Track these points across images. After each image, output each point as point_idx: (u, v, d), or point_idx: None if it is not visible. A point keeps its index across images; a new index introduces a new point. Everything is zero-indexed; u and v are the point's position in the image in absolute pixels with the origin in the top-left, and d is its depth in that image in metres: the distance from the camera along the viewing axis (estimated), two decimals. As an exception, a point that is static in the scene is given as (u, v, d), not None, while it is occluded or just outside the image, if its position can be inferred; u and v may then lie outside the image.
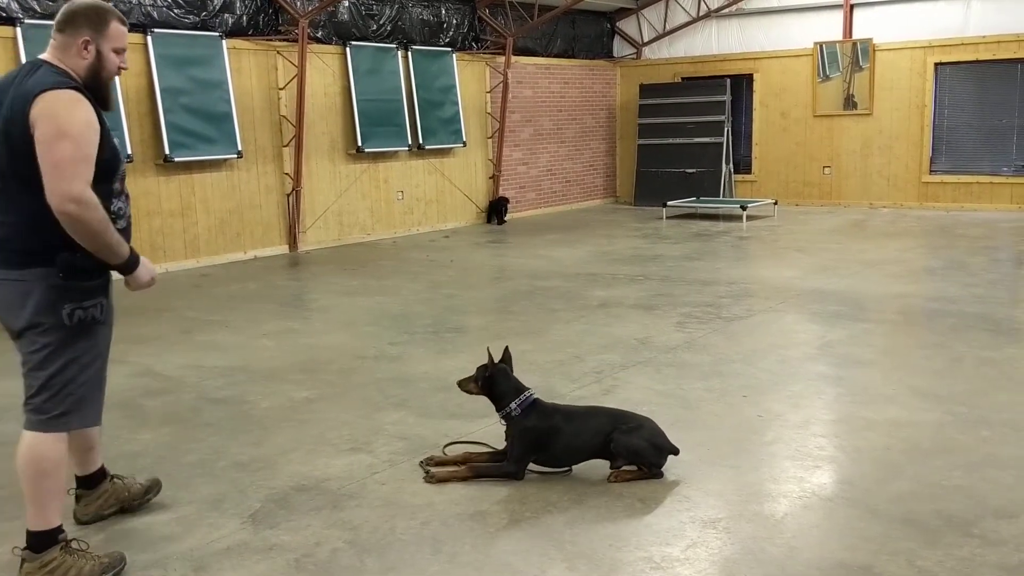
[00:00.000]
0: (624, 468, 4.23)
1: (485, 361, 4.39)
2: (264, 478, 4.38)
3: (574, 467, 4.35)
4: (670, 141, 16.12)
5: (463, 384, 4.46)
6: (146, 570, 3.50)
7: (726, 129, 15.62)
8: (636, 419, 4.35)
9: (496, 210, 14.41)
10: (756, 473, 4.30)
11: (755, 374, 5.91)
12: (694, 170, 15.76)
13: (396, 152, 13.13)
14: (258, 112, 11.43)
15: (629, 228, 13.63)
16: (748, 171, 16.23)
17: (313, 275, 10.48)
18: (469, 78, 14.22)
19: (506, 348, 4.50)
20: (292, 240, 11.90)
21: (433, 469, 4.35)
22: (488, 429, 4.88)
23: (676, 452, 4.30)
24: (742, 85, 16.20)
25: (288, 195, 11.78)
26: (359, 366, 6.37)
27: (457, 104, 13.79)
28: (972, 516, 3.74)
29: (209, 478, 4.40)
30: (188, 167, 10.70)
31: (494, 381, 4.35)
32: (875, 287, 8.63)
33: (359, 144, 12.46)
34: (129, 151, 9.95)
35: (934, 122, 14.53)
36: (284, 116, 11.64)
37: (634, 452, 4.21)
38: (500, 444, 4.51)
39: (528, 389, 4.36)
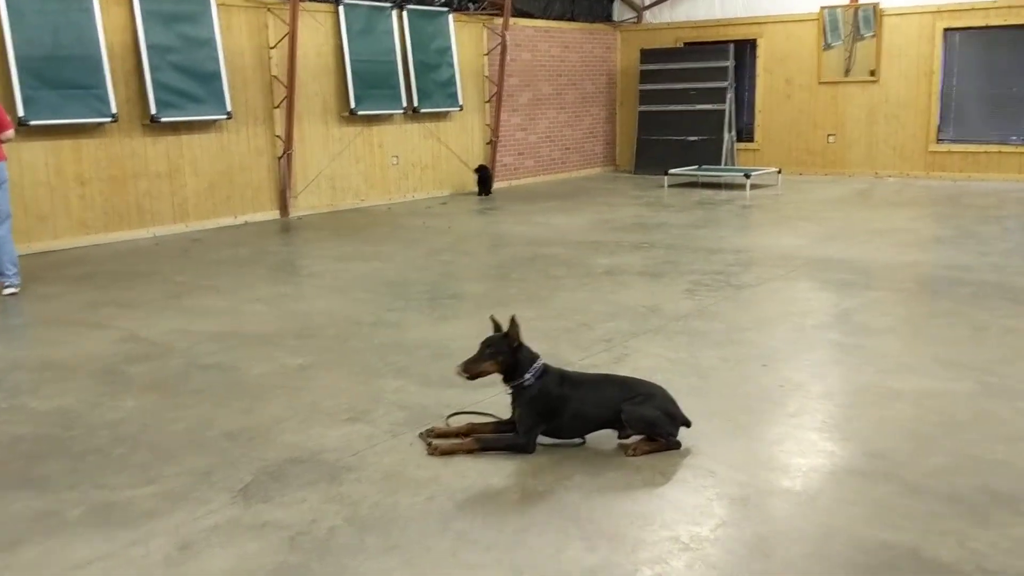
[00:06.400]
0: (641, 440, 3.95)
1: (489, 334, 4.04)
2: (256, 449, 4.09)
3: (587, 437, 4.08)
4: (671, 108, 15.75)
5: (471, 368, 3.97)
6: (127, 548, 3.22)
7: (729, 96, 15.26)
8: (647, 388, 4.06)
9: (481, 179, 13.81)
10: (782, 445, 4.03)
11: (770, 342, 5.64)
12: (696, 138, 15.42)
13: (391, 115, 12.75)
14: (248, 72, 11.04)
15: (630, 196, 13.31)
16: (751, 139, 15.89)
17: (306, 240, 10.16)
18: (466, 40, 13.82)
19: (512, 318, 4.16)
20: (283, 205, 11.55)
21: (436, 441, 4.06)
22: (494, 399, 4.59)
23: (688, 424, 4.02)
24: (745, 51, 15.80)
25: (279, 158, 11.42)
26: (355, 332, 6.08)
27: (453, 66, 13.40)
28: (1021, 492, 3.48)
29: (197, 448, 4.12)
30: (176, 128, 10.32)
31: (518, 354, 3.97)
32: (886, 255, 8.35)
33: (352, 106, 12.08)
34: (114, 110, 9.58)
35: (942, 90, 14.19)
36: (275, 76, 11.25)
37: (648, 423, 3.92)
38: (506, 414, 4.24)
39: (538, 356, 4.07)
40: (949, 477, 3.63)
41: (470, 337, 5.83)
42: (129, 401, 4.79)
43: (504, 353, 3.97)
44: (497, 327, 4.06)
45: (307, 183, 11.82)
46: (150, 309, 6.82)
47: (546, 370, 4.04)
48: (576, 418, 3.99)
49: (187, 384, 5.07)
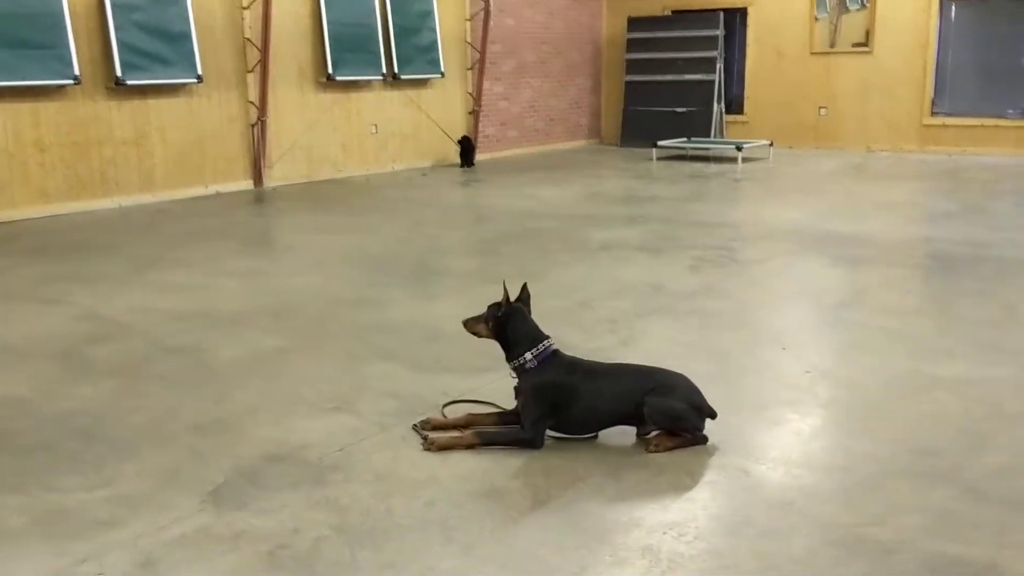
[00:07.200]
0: (663, 435, 3.52)
1: (498, 300, 3.67)
2: (228, 444, 3.62)
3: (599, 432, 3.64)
4: (659, 78, 15.28)
5: (471, 324, 3.74)
6: (78, 566, 2.74)
7: (718, 66, 14.81)
8: (669, 377, 3.62)
9: (463, 150, 13.24)
10: (819, 440, 3.61)
11: (787, 324, 5.23)
12: (684, 109, 14.96)
13: (369, 82, 12.19)
14: (220, 33, 10.44)
15: (618, 169, 12.85)
16: (740, 111, 15.44)
17: (281, 212, 9.63)
18: (448, 3, 13.22)
19: (524, 286, 3.76)
20: (257, 175, 10.99)
21: (431, 435, 3.61)
22: (494, 385, 4.14)
23: (714, 416, 3.59)
24: (735, 19, 15.33)
25: (253, 126, 10.84)
26: (336, 311, 5.60)
27: (435, 31, 12.83)
28: (1100, 498, 3.08)
29: (160, 443, 3.64)
30: (143, 92, 9.72)
31: (507, 323, 3.62)
32: (896, 230, 7.97)
33: (330, 72, 11.50)
34: (76, 72, 8.97)
35: (937, 61, 13.79)
36: (248, 39, 10.65)
37: (674, 417, 3.48)
38: (509, 403, 3.80)
39: (548, 338, 3.63)
40: (1012, 478, 3.23)
41: (463, 317, 5.40)
42: (86, 388, 4.30)
43: (493, 318, 3.64)
44: (505, 294, 3.65)
45: (282, 152, 11.26)
46: (112, 284, 6.30)
47: (555, 355, 3.60)
48: (590, 412, 3.54)
49: (150, 368, 4.58)
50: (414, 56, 12.59)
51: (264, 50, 10.54)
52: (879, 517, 2.96)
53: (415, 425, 3.71)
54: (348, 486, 3.24)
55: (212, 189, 10.54)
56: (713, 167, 12.76)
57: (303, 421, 3.85)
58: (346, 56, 11.65)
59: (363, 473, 3.34)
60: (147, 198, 9.88)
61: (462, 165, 13.12)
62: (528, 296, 3.73)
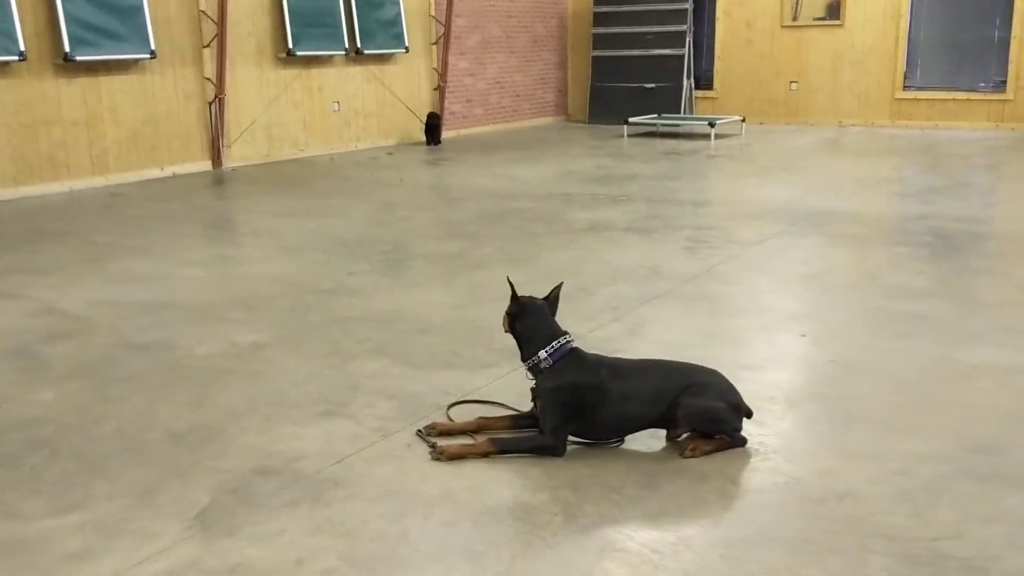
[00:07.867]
0: (697, 438, 3.19)
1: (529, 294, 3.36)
2: (211, 456, 3.22)
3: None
4: (627, 53, 14.91)
5: (504, 319, 3.38)
6: (47, 612, 2.35)
7: (688, 40, 14.48)
8: (703, 375, 3.29)
9: (429, 128, 12.79)
10: (864, 439, 3.30)
11: (800, 308, 4.93)
12: (653, 85, 14.62)
13: (331, 57, 11.67)
14: (174, 5, 9.86)
15: (589, 146, 12.49)
16: (709, 87, 15.15)
17: (243, 195, 9.14)
18: (411, -24, 12.76)
19: (557, 286, 3.39)
20: (215, 155, 10.46)
21: (440, 442, 3.24)
22: (499, 382, 3.81)
23: (750, 415, 3.28)
24: (704, -8, 15.04)
25: (210, 104, 10.30)
26: (314, 302, 5.19)
27: (398, 4, 12.33)
28: None
29: (135, 456, 3.23)
30: (93, 68, 9.15)
31: (519, 319, 3.27)
32: (886, 207, 7.73)
33: (290, 47, 10.98)
34: (22, 47, 8.39)
35: (909, 35, 13.61)
36: (204, 11, 10.09)
37: (714, 419, 3.16)
38: (519, 402, 3.47)
39: (565, 334, 3.27)
40: (1087, 480, 2.95)
41: (453, 307, 5.03)
42: (46, 392, 3.87)
43: (510, 314, 3.30)
44: (512, 289, 3.30)
45: (241, 131, 10.73)
46: (68, 275, 5.82)
47: (573, 352, 3.24)
48: (619, 415, 3.19)
49: (117, 369, 4.15)
50: (377, 30, 12.10)
51: (221, 24, 10.00)
52: (955, 529, 2.67)
53: (420, 431, 3.35)
54: (353, 504, 2.87)
55: (168, 171, 10.00)
56: (686, 144, 12.46)
57: (293, 427, 3.46)
58: (307, 30, 11.14)
59: (368, 488, 2.97)
60: (100, 181, 9.32)
61: (428, 143, 12.68)
62: (556, 297, 3.35)
